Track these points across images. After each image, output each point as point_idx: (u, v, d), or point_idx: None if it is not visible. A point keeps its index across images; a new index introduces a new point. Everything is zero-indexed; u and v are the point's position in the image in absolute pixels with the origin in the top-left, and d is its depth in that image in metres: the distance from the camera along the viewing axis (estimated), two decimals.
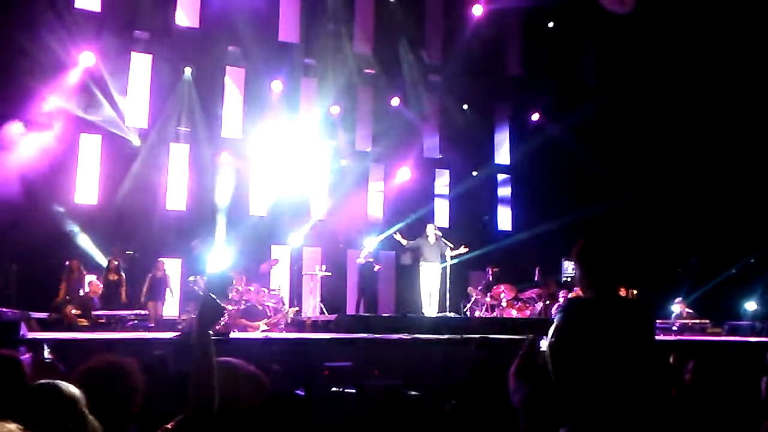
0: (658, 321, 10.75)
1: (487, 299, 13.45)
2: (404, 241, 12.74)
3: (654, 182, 15.89)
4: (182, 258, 13.96)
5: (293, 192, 15.46)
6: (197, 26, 14.96)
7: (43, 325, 9.52)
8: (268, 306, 11.64)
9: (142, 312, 11.35)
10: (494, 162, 18.30)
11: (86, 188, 14.00)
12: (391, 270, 15.94)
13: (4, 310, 8.41)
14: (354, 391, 5.68)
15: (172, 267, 13.19)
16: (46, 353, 6.26)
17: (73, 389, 2.07)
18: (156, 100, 14.62)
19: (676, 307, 13.09)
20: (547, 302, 13.32)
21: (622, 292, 3.08)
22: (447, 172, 17.80)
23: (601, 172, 16.06)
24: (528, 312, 13.33)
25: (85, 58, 13.40)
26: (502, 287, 13.52)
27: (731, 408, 3.19)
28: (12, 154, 12.34)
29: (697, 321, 12.64)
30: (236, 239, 14.18)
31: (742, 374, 3.35)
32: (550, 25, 17.62)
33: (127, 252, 12.70)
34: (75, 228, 13.05)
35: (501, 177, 18.43)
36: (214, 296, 2.43)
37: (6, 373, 2.64)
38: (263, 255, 14.55)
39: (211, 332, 2.41)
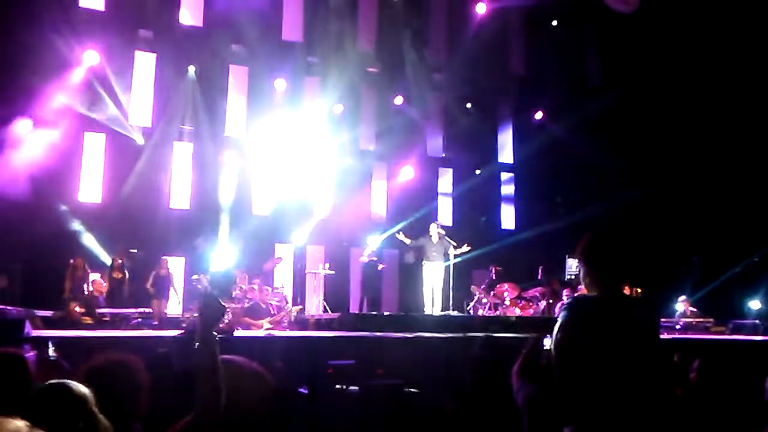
0: (662, 320, 10.73)
1: (490, 298, 13.45)
2: (407, 240, 12.74)
3: (658, 180, 15.86)
4: (186, 256, 13.99)
5: (296, 190, 15.47)
6: (201, 25, 14.97)
7: (48, 323, 9.54)
8: (271, 304, 11.66)
9: (146, 310, 11.37)
10: (497, 160, 18.28)
11: (90, 187, 14.02)
12: (394, 269, 15.94)
13: (8, 308, 8.43)
14: (357, 389, 5.69)
15: (175, 265, 13.22)
16: (51, 351, 6.27)
17: (83, 389, 2.09)
18: (160, 98, 14.64)
19: (680, 306, 13.07)
20: (551, 301, 13.32)
21: (626, 291, 3.09)
22: (450, 170, 17.79)
23: (605, 170, 16.04)
24: (531, 311, 13.33)
25: (89, 57, 13.43)
26: (506, 286, 13.51)
27: (735, 407, 3.19)
28: (17, 153, 12.37)
29: (701, 320, 12.62)
30: (239, 238, 14.20)
31: (746, 374, 3.35)
32: (554, 23, 17.58)
33: (130, 250, 12.72)
34: (79, 226, 13.07)
35: (504, 175, 18.41)
36: (215, 296, 2.43)
37: (11, 372, 2.65)
38: (266, 253, 14.58)
39: (214, 331, 2.41)
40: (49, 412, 1.97)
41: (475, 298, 13.68)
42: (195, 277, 12.62)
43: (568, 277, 14.98)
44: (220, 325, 10.15)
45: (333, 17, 15.96)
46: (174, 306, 12.70)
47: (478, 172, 17.63)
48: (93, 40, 13.46)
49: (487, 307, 13.43)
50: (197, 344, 2.35)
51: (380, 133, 16.68)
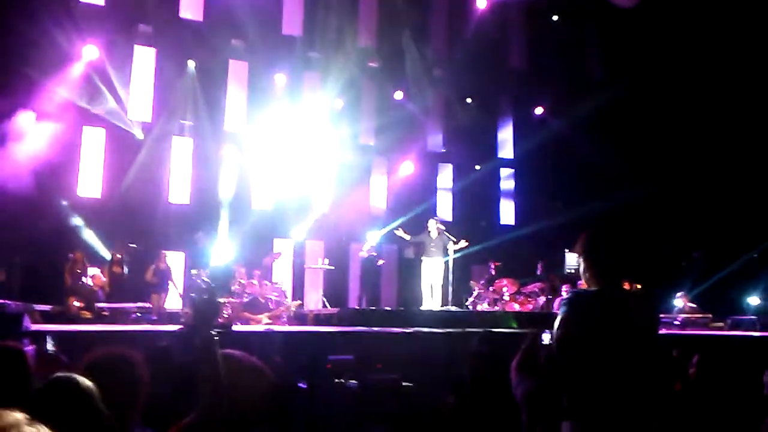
0: (661, 315, 10.74)
1: (489, 293, 13.47)
2: (407, 236, 12.74)
3: (658, 176, 15.85)
4: (185, 251, 14.00)
5: (296, 185, 15.47)
6: (201, 19, 14.94)
7: (47, 318, 9.54)
8: (270, 299, 11.67)
9: (146, 305, 11.38)
10: (497, 156, 18.27)
11: (90, 181, 14.01)
12: (393, 264, 15.94)
13: (7, 302, 8.43)
14: (356, 384, 5.70)
15: (175, 260, 13.23)
16: (50, 345, 6.28)
17: (88, 382, 2.09)
18: (159, 93, 14.61)
19: (679, 302, 13.09)
20: (549, 296, 13.33)
21: (626, 286, 3.08)
22: (450, 165, 17.79)
23: (605, 166, 16.02)
24: (530, 306, 13.35)
25: (89, 51, 13.40)
26: (505, 281, 13.53)
27: (734, 402, 3.19)
28: (16, 147, 12.35)
29: (700, 315, 12.63)
30: (239, 232, 14.21)
31: (745, 369, 3.35)
32: (555, 18, 17.54)
33: (130, 245, 12.72)
34: (78, 221, 13.07)
35: (504, 171, 18.40)
36: (211, 293, 2.44)
37: (10, 365, 2.65)
38: (266, 248, 14.58)
39: (212, 330, 2.41)
40: (55, 405, 1.98)
41: (474, 293, 13.69)
42: (194, 271, 12.65)
43: (568, 272, 15.00)
44: (219, 320, 10.17)
45: (333, 11, 15.92)
46: (173, 300, 12.71)
47: (478, 167, 17.62)
48: (92, 35, 13.43)
49: (486, 302, 13.44)
50: (196, 341, 2.35)
51: (380, 128, 16.66)
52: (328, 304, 13.48)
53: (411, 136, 16.84)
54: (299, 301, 12.96)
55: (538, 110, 17.91)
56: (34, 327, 7.55)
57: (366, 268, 13.81)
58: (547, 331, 2.87)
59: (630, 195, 15.40)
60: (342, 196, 15.88)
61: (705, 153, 15.41)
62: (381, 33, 16.78)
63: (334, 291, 14.62)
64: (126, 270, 12.09)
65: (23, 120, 12.57)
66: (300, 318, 11.93)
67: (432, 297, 12.34)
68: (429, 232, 12.51)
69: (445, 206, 17.42)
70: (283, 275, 14.26)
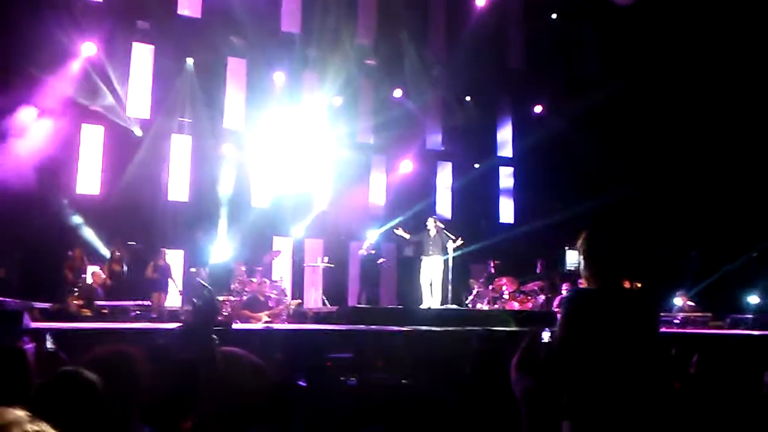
0: (661, 314, 10.73)
1: (489, 292, 13.47)
2: (406, 235, 12.75)
3: (657, 174, 15.86)
4: (184, 249, 14.00)
5: (295, 183, 15.46)
6: (199, 16, 14.91)
7: (46, 315, 9.54)
8: (270, 297, 11.67)
9: (145, 303, 11.38)
10: (497, 154, 18.28)
11: (88, 179, 14.00)
12: (392, 262, 15.95)
13: (6, 300, 8.42)
14: (355, 381, 5.71)
15: (174, 258, 13.22)
16: (49, 343, 6.27)
17: (92, 376, 2.10)
18: (158, 90, 14.58)
19: (678, 300, 13.10)
20: (549, 295, 13.34)
21: (626, 285, 3.09)
22: (449, 164, 17.80)
23: (604, 164, 16.03)
24: (530, 304, 13.35)
25: (87, 48, 13.37)
26: (504, 280, 13.54)
27: (734, 401, 3.20)
28: (14, 144, 12.34)
29: (699, 314, 12.64)
30: (238, 231, 14.21)
31: (744, 368, 3.36)
32: (553, 16, 17.53)
33: (129, 243, 12.72)
34: (77, 218, 13.06)
35: (503, 169, 18.41)
36: (207, 299, 2.44)
37: (11, 363, 2.65)
38: (265, 246, 14.58)
39: (211, 330, 2.42)
40: (61, 399, 1.99)
41: (474, 291, 13.69)
42: (193, 269, 12.65)
43: (568, 270, 15.02)
44: (218, 318, 10.17)
45: (332, 9, 15.90)
46: (173, 298, 12.70)
47: (477, 165, 17.62)
48: (91, 32, 13.40)
49: (485, 301, 13.45)
50: (196, 340, 2.36)
51: (379, 126, 16.65)
52: (327, 302, 13.49)
53: (410, 134, 16.84)
54: (299, 300, 12.96)
55: (537, 109, 17.92)
56: (34, 325, 7.54)
57: (365, 267, 13.82)
58: (546, 329, 2.88)
59: (629, 193, 15.41)
60: (341, 195, 15.88)
61: (704, 151, 15.41)
62: (380, 31, 16.77)
63: (334, 289, 14.62)
64: (125, 268, 12.08)
65: (22, 117, 12.55)
66: (299, 316, 11.93)
67: (431, 295, 12.34)
68: (428, 230, 12.50)
69: (444, 205, 17.43)
70: (282, 273, 14.26)
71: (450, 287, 12.54)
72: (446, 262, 12.45)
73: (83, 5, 13.69)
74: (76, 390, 2.06)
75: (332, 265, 14.11)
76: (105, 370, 2.36)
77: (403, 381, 5.97)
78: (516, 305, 13.13)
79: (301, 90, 15.88)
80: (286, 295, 12.75)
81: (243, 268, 12.36)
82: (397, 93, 16.65)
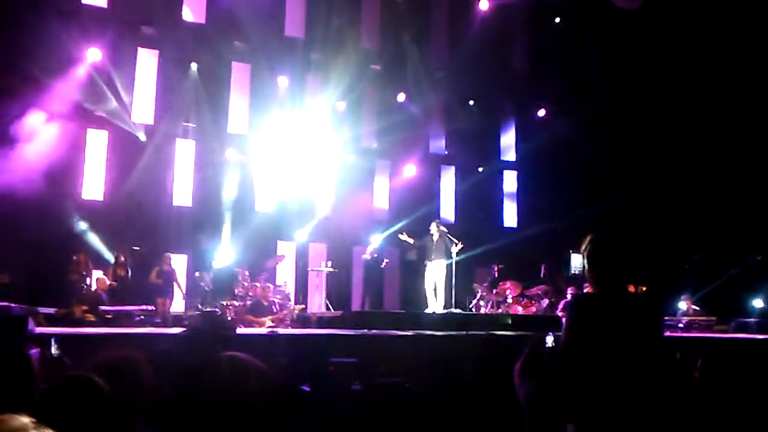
0: (665, 317, 10.70)
1: (493, 296, 13.46)
2: (410, 240, 12.75)
3: (661, 178, 15.83)
4: (188, 254, 14.02)
5: (299, 188, 15.47)
6: (204, 22, 14.97)
7: (51, 320, 9.56)
8: (273, 302, 11.68)
9: (149, 307, 11.38)
10: (500, 158, 18.27)
11: (93, 184, 14.03)
12: (396, 266, 15.94)
13: (11, 305, 8.44)
14: (359, 386, 5.70)
15: (178, 262, 13.24)
16: (54, 349, 6.28)
17: (97, 381, 2.11)
18: (162, 95, 14.63)
19: (683, 304, 13.07)
20: (553, 299, 13.31)
21: (631, 289, 3.09)
22: (453, 168, 17.79)
23: (608, 168, 16.01)
24: (534, 309, 13.32)
25: (92, 54, 13.43)
26: (508, 284, 13.52)
27: (739, 405, 3.19)
28: (20, 150, 12.38)
29: (704, 318, 12.61)
30: (242, 235, 14.23)
31: (749, 372, 3.35)
32: (557, 20, 17.53)
33: (133, 247, 12.74)
34: (82, 223, 13.09)
35: (507, 173, 18.40)
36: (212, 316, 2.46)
37: (15, 369, 2.66)
38: (269, 251, 14.59)
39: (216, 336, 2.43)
40: (66, 405, 2.00)
41: (478, 296, 13.68)
42: (197, 274, 12.67)
43: (573, 273, 14.99)
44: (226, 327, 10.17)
45: (335, 14, 15.94)
46: (177, 303, 12.71)
47: (480, 169, 17.62)
48: (96, 37, 13.46)
49: (489, 305, 13.43)
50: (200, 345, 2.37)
51: (383, 131, 16.67)
52: (331, 307, 13.48)
53: (413, 138, 16.85)
54: (303, 306, 12.96)
55: (541, 113, 17.91)
56: (38, 330, 7.56)
57: (369, 271, 13.80)
58: (550, 333, 2.88)
59: (633, 197, 15.38)
60: (345, 199, 15.89)
61: (708, 155, 15.38)
62: (383, 35, 16.80)
63: (337, 294, 14.62)
64: (130, 272, 12.09)
65: (28, 122, 12.60)
66: (303, 321, 11.92)
67: (436, 300, 12.34)
68: (431, 235, 12.51)
69: (447, 209, 17.42)
70: (286, 278, 14.27)
71: (454, 291, 12.53)
72: (450, 266, 12.45)
73: (88, 11, 13.75)
74: (81, 395, 2.07)
75: (336, 270, 14.11)
76: (109, 375, 2.37)
77: (406, 385, 5.96)
78: (520, 309, 13.11)
79: (304, 94, 15.91)
80: (289, 300, 12.77)
81: (247, 273, 12.37)
82: (401, 97, 16.67)
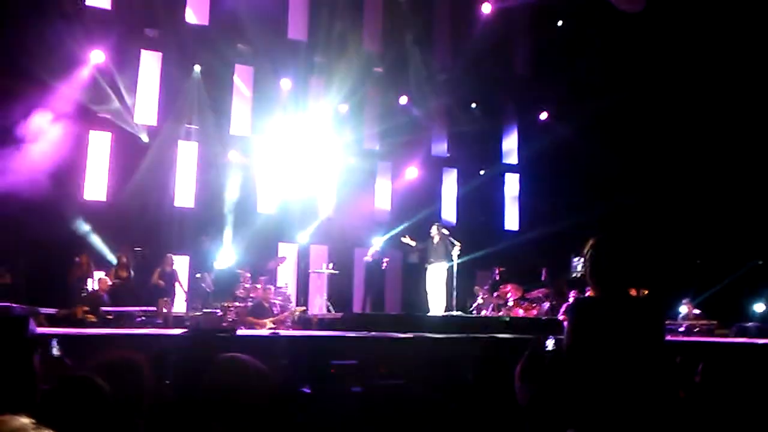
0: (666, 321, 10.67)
1: (493, 299, 13.45)
2: (413, 243, 12.76)
3: (663, 182, 15.82)
4: (190, 255, 14.03)
5: (301, 190, 15.49)
6: (207, 24, 15.01)
7: (52, 321, 9.57)
8: (274, 304, 11.68)
9: (150, 309, 11.39)
10: (502, 161, 18.27)
11: (95, 185, 14.06)
12: (397, 269, 15.94)
13: (12, 305, 8.46)
14: (359, 389, 5.70)
15: (180, 264, 13.25)
16: (55, 350, 6.29)
17: (98, 382, 2.12)
18: (165, 97, 14.67)
19: (683, 308, 13.05)
20: (554, 302, 13.30)
21: (633, 292, 3.08)
22: (455, 170, 17.80)
23: (609, 171, 16.01)
24: (535, 312, 13.31)
25: (96, 56, 13.47)
26: (509, 287, 13.51)
27: (740, 410, 3.18)
28: (23, 150, 12.41)
29: (705, 322, 12.59)
30: (244, 237, 14.24)
31: (750, 377, 3.34)
32: (560, 23, 17.54)
33: (135, 249, 12.75)
34: (84, 224, 13.11)
35: (509, 176, 18.40)
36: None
37: (17, 367, 2.66)
38: (271, 253, 14.60)
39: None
40: (67, 406, 2.01)
41: (479, 298, 13.67)
42: (198, 275, 12.67)
43: (574, 276, 14.98)
44: (223, 324, 10.19)
45: (338, 17, 15.97)
46: (179, 304, 12.71)
47: (482, 172, 17.62)
48: (99, 39, 13.49)
49: (490, 308, 13.42)
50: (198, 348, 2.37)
51: (385, 133, 16.69)
52: (332, 309, 13.48)
53: (415, 141, 16.86)
54: (303, 307, 12.95)
55: (543, 116, 17.90)
56: (39, 330, 7.56)
57: (371, 273, 13.80)
58: (551, 336, 2.88)
59: (634, 200, 15.37)
60: (346, 201, 15.90)
61: (710, 159, 15.37)
62: (386, 38, 16.83)
63: (339, 295, 14.61)
64: (132, 273, 12.10)
65: (31, 123, 12.63)
66: (304, 322, 11.92)
67: (436, 302, 12.34)
68: (432, 238, 12.52)
69: (449, 211, 17.42)
70: (287, 280, 14.27)
71: (455, 294, 12.53)
72: (451, 268, 12.44)
73: (92, 13, 13.79)
74: (82, 396, 2.08)
75: (337, 272, 14.12)
76: (110, 375, 2.37)
77: (407, 387, 5.96)
78: (521, 312, 13.10)
79: (307, 97, 15.94)
80: (290, 302, 12.76)
81: (248, 275, 12.37)
82: (403, 100, 16.69)
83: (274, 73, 15.41)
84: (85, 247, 12.57)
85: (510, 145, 18.42)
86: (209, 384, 2.51)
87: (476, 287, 14.02)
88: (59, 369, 4.24)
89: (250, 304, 11.47)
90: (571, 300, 11.77)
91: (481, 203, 17.50)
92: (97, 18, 13.79)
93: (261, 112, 15.42)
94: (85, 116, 13.56)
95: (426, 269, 12.56)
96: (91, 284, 11.69)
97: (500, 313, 13.03)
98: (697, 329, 12.26)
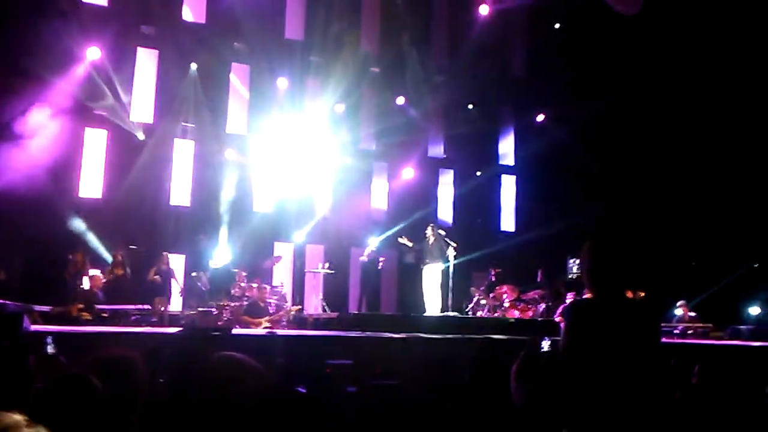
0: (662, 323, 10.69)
1: (489, 300, 13.46)
2: (409, 244, 12.77)
3: (659, 184, 15.86)
4: (186, 253, 14.00)
5: (297, 189, 15.48)
6: (203, 22, 14.98)
7: (46, 319, 9.53)
8: (270, 303, 11.66)
9: (145, 307, 11.35)
10: (498, 162, 18.29)
11: (91, 182, 14.02)
12: (393, 269, 15.94)
13: (7, 302, 8.42)
14: (354, 389, 5.69)
15: (175, 262, 13.22)
16: (49, 347, 6.27)
17: (93, 380, 2.11)
18: (161, 95, 14.63)
19: (679, 311, 13.08)
20: (550, 303, 13.31)
21: (629, 294, 3.09)
22: (451, 171, 17.81)
23: (606, 173, 16.04)
24: (530, 313, 13.32)
25: (92, 53, 13.43)
26: (505, 288, 13.52)
27: (735, 413, 3.19)
28: (17, 147, 12.37)
29: (700, 325, 12.62)
30: (240, 235, 14.22)
31: (745, 379, 3.35)
32: (557, 25, 17.56)
33: (130, 247, 12.72)
34: (79, 222, 13.07)
35: (505, 177, 18.41)
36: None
37: (12, 367, 2.65)
38: (266, 252, 14.59)
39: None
40: (61, 404, 2.00)
41: (475, 299, 13.68)
42: (194, 274, 12.65)
43: (570, 277, 15.01)
44: (218, 323, 10.17)
45: (335, 17, 15.96)
46: (174, 302, 12.68)
47: (478, 173, 17.63)
48: (96, 36, 13.46)
49: (486, 309, 13.43)
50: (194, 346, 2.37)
51: (381, 133, 16.68)
52: (327, 309, 13.47)
53: (412, 141, 16.86)
54: (299, 306, 12.95)
55: (540, 117, 17.93)
56: (34, 328, 7.54)
57: (366, 273, 13.80)
58: (546, 337, 2.88)
59: (630, 202, 15.40)
60: (342, 201, 15.90)
61: (706, 161, 15.41)
62: (383, 38, 16.82)
63: (334, 295, 14.60)
64: (128, 271, 12.06)
65: (26, 120, 12.59)
66: (299, 322, 11.91)
67: (432, 303, 12.34)
68: (427, 239, 12.53)
69: (445, 212, 17.43)
70: (283, 279, 14.26)
71: (450, 295, 12.53)
72: (447, 269, 12.45)
73: (88, 10, 13.75)
74: (76, 394, 2.07)
75: (333, 272, 14.10)
76: (105, 373, 2.36)
77: (402, 388, 5.96)
78: (516, 313, 13.11)
79: (303, 96, 15.92)
80: (286, 301, 12.75)
81: (244, 274, 12.35)
82: (400, 100, 16.69)
83: (271, 73, 15.39)
84: (80, 245, 12.52)
85: (506, 146, 18.44)
86: (204, 383, 2.50)
87: (472, 288, 14.02)
88: (54, 367, 4.22)
89: (245, 303, 11.45)
90: (568, 302, 11.78)
91: (477, 204, 17.52)
92: (94, 15, 13.74)
93: (257, 111, 15.40)
94: (81, 113, 13.52)
95: (422, 268, 12.56)
96: (85, 282, 11.63)
97: (496, 314, 13.04)
98: (692, 332, 12.28)
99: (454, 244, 12.39)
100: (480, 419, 3.51)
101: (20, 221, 11.70)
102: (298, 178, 15.50)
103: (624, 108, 16.10)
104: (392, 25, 16.72)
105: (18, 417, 1.29)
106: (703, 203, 15.39)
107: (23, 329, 6.99)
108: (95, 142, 14.14)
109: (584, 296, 3.39)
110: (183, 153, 15.00)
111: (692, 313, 13.04)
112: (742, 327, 12.50)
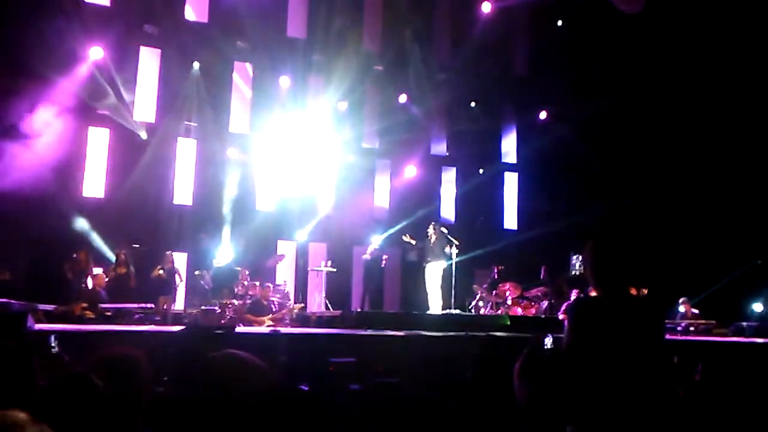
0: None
1: (492, 297, 13.46)
2: (413, 241, 12.77)
3: (662, 181, 15.83)
4: (189, 252, 14.02)
5: (300, 187, 15.48)
6: (206, 21, 14.99)
7: (50, 317, 9.56)
8: (273, 301, 11.68)
9: (149, 305, 11.38)
10: (501, 160, 18.27)
11: (94, 181, 14.04)
12: (396, 267, 15.94)
13: (11, 301, 8.45)
14: (357, 386, 5.70)
15: (178, 261, 13.24)
16: (53, 346, 6.29)
17: (96, 379, 2.11)
18: (164, 94, 14.64)
19: (682, 308, 13.06)
20: (553, 301, 13.32)
21: (633, 292, 3.09)
22: (454, 169, 17.80)
23: (608, 171, 16.01)
24: (533, 310, 13.33)
25: (95, 52, 13.45)
26: (508, 285, 13.52)
27: (738, 409, 3.19)
28: (21, 147, 12.39)
29: (703, 321, 12.60)
30: (242, 234, 14.23)
31: (749, 376, 3.35)
32: (560, 23, 17.53)
33: (133, 245, 12.74)
34: (82, 221, 13.10)
35: (508, 175, 18.40)
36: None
37: (16, 366, 2.66)
38: (269, 250, 14.60)
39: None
40: (65, 402, 2.01)
41: (477, 297, 13.68)
42: (197, 272, 12.67)
43: (573, 274, 15.00)
44: (222, 321, 10.19)
45: (337, 15, 15.95)
46: (178, 300, 12.70)
47: (481, 171, 17.62)
48: (99, 36, 13.48)
49: (489, 306, 13.43)
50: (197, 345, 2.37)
51: (384, 131, 16.68)
52: (330, 307, 13.48)
53: (415, 139, 16.86)
54: (302, 305, 12.97)
55: (542, 115, 17.91)
56: (38, 327, 7.56)
57: (369, 271, 13.80)
58: (549, 335, 2.88)
59: (633, 200, 15.38)
60: (345, 199, 15.90)
61: (709, 158, 15.37)
62: (385, 36, 16.81)
63: (337, 293, 14.62)
64: (132, 269, 12.08)
65: (29, 120, 12.61)
66: (302, 320, 11.93)
67: (435, 301, 12.34)
68: (429, 237, 12.53)
69: (448, 210, 17.42)
70: (286, 277, 14.27)
71: (453, 292, 12.53)
72: (449, 267, 12.44)
73: (91, 9, 13.76)
74: (80, 393, 2.07)
75: (335, 270, 14.11)
76: (108, 372, 2.37)
77: (405, 385, 5.96)
78: (519, 311, 13.12)
79: (306, 94, 15.93)
80: (289, 299, 12.77)
81: (247, 272, 12.37)
82: (402, 98, 16.68)
83: (273, 71, 15.40)
84: (83, 244, 12.54)
85: (509, 144, 18.42)
86: (207, 381, 2.50)
87: (475, 286, 14.03)
88: (57, 365, 4.23)
89: (248, 301, 11.48)
90: (572, 299, 11.77)
91: (480, 202, 17.51)
92: (96, 14, 13.75)
93: (260, 109, 15.40)
94: (84, 113, 13.54)
95: (425, 265, 12.56)
96: (89, 281, 11.66)
97: (499, 312, 13.04)
98: (694, 329, 12.27)
99: (457, 242, 12.38)
100: (483, 417, 3.51)
101: (24, 221, 11.73)
102: (300, 177, 15.50)
103: (627, 106, 16.07)
104: (395, 23, 16.71)
105: (22, 415, 1.30)
106: (706, 200, 15.35)
107: (27, 328, 7.02)
108: (98, 142, 14.16)
109: (588, 293, 3.39)
110: (186, 152, 15.01)
111: (695, 310, 13.03)
112: (745, 324, 12.49)
